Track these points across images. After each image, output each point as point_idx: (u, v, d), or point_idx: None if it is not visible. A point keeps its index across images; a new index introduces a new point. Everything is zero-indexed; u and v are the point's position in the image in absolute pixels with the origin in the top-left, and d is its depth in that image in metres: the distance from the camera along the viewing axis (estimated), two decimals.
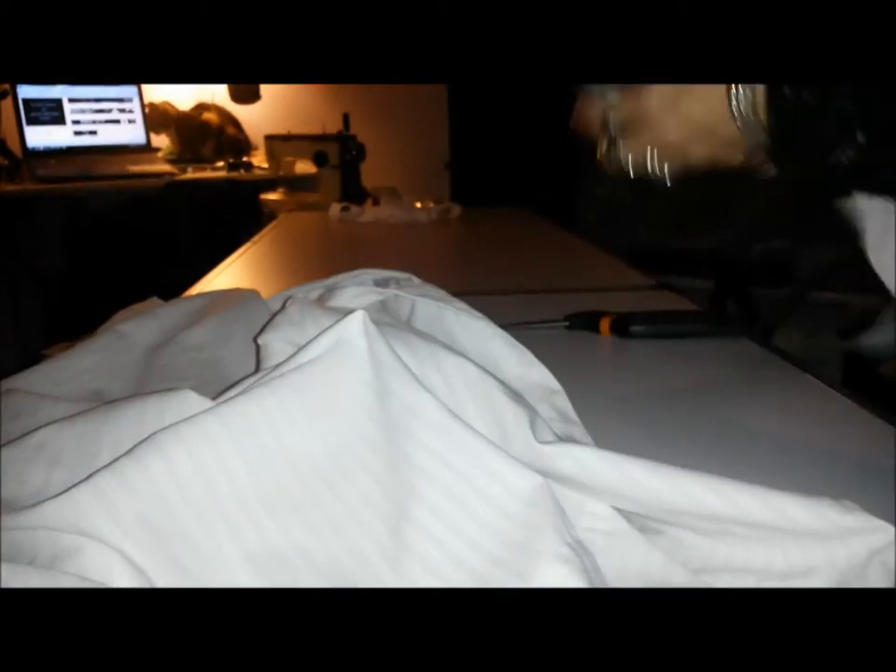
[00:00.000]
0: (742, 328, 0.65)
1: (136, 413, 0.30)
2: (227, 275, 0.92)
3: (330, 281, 0.47)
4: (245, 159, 2.32)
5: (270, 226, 1.36)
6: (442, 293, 0.44)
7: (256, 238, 1.21)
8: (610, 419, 0.44)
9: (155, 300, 0.53)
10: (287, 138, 2.13)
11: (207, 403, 0.29)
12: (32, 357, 0.48)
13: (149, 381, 0.42)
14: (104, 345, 0.44)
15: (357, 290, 0.42)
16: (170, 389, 0.31)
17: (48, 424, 0.31)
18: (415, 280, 0.48)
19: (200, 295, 0.52)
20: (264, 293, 0.51)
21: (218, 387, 0.38)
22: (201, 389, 0.33)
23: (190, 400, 0.30)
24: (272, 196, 2.02)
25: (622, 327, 0.61)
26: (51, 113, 2.19)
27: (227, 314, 0.47)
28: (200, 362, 0.44)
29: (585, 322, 0.62)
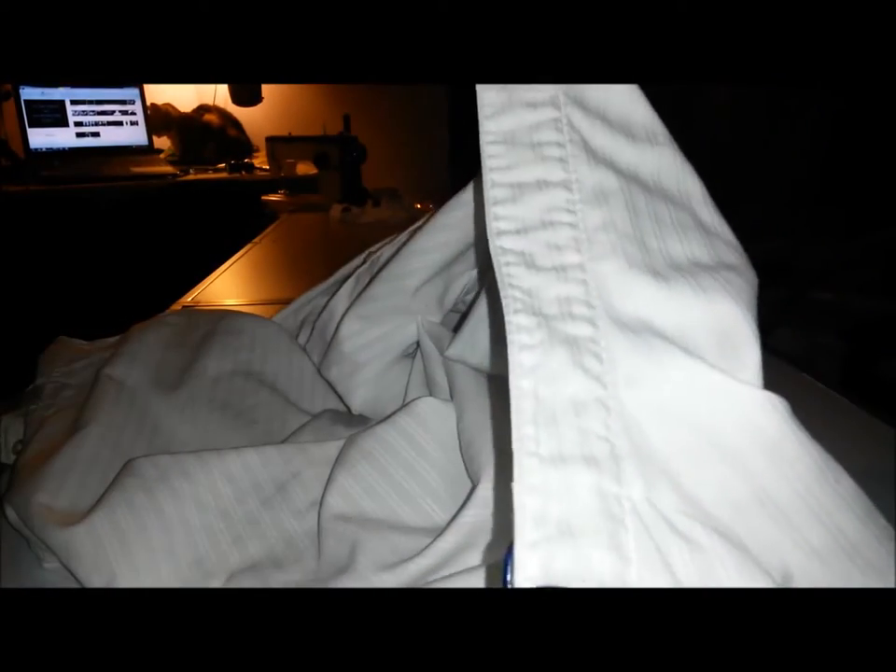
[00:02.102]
0: None
1: (383, 442, 0.35)
2: (228, 276, 0.92)
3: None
4: (246, 160, 2.32)
5: (271, 227, 1.36)
6: None
7: (257, 239, 1.21)
8: None
9: (63, 338, 0.49)
10: (287, 140, 2.13)
11: (448, 406, 0.36)
12: (32, 360, 0.48)
13: (191, 413, 0.40)
14: (109, 397, 0.39)
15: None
16: (408, 404, 0.36)
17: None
18: None
19: (156, 324, 0.47)
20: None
21: (274, 409, 0.42)
22: (259, 412, 0.40)
23: (436, 405, 0.36)
24: (273, 197, 2.03)
25: None
26: (54, 115, 2.19)
27: (236, 339, 0.45)
28: (237, 391, 0.42)
29: None
